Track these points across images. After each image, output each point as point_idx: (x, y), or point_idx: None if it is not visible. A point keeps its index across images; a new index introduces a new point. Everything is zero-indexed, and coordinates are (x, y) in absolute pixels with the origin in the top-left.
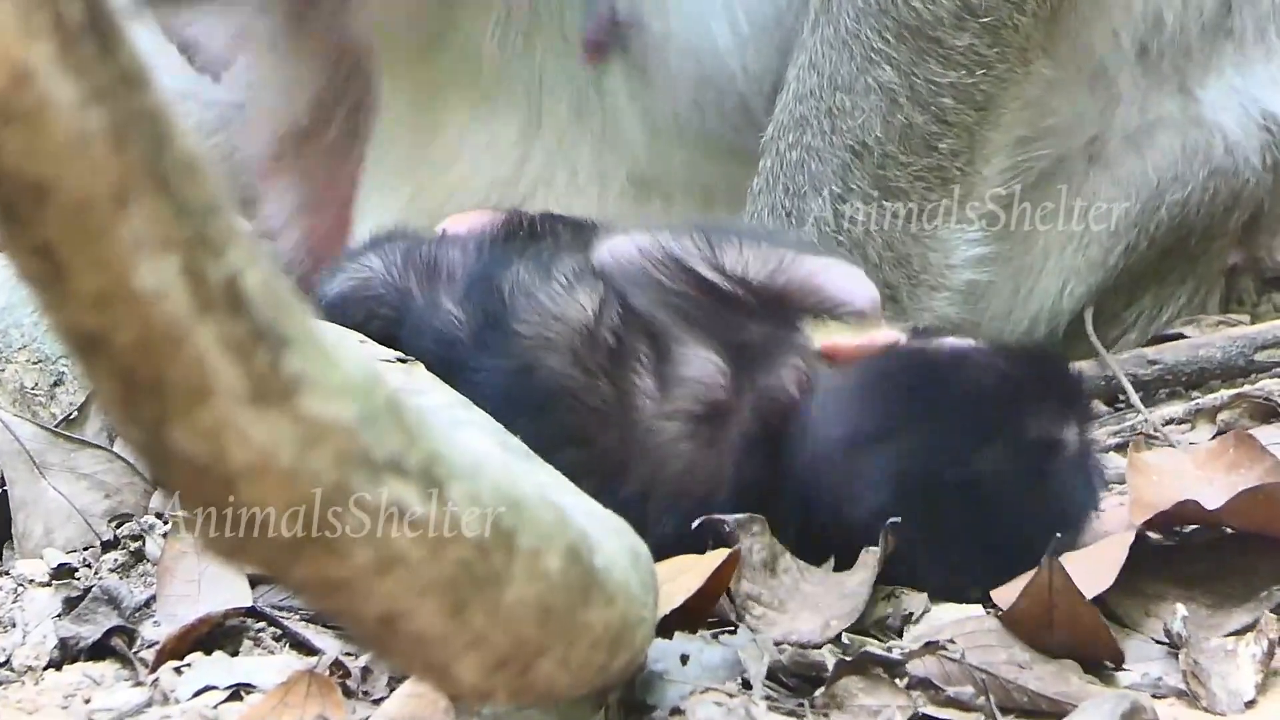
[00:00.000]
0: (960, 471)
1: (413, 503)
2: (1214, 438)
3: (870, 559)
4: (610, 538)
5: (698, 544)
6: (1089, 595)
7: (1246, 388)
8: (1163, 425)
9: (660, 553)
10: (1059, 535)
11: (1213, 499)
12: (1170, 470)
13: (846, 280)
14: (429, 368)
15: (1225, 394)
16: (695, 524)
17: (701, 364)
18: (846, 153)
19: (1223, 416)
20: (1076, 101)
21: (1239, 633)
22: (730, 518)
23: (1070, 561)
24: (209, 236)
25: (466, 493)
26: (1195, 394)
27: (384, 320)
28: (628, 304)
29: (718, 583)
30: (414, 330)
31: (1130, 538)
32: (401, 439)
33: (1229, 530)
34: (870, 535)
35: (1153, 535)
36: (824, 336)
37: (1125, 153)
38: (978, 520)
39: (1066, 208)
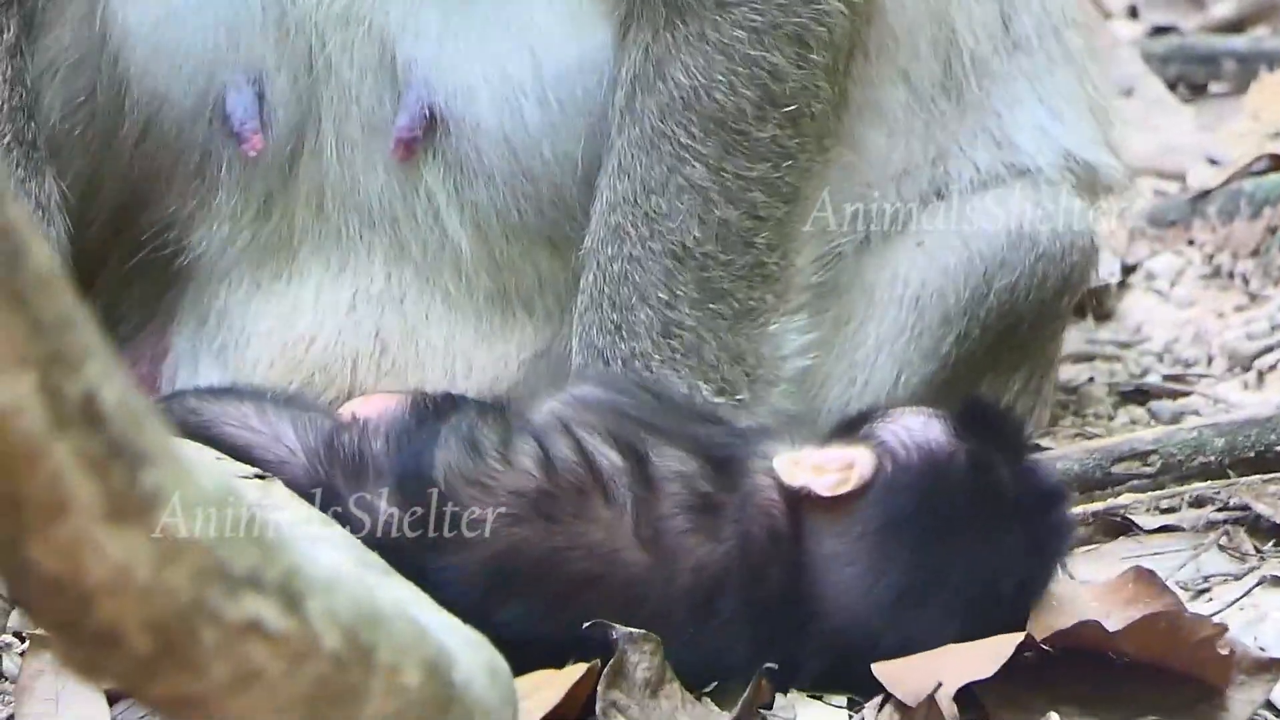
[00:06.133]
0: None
1: (271, 618)
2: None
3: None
4: (469, 653)
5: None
6: (962, 681)
7: (1102, 504)
8: None
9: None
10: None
11: (1113, 625)
12: (1070, 598)
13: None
14: None
15: (1081, 509)
16: (585, 625)
17: (680, 461)
18: (668, 258)
19: (1076, 532)
20: (880, 182)
21: None
22: (621, 629)
23: (957, 652)
24: (65, 352)
25: (324, 608)
26: None
27: None
28: (578, 438)
29: (576, 697)
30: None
31: (1020, 638)
32: (259, 554)
33: (1121, 657)
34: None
35: (1045, 647)
36: (792, 472)
37: (947, 237)
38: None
39: (895, 296)
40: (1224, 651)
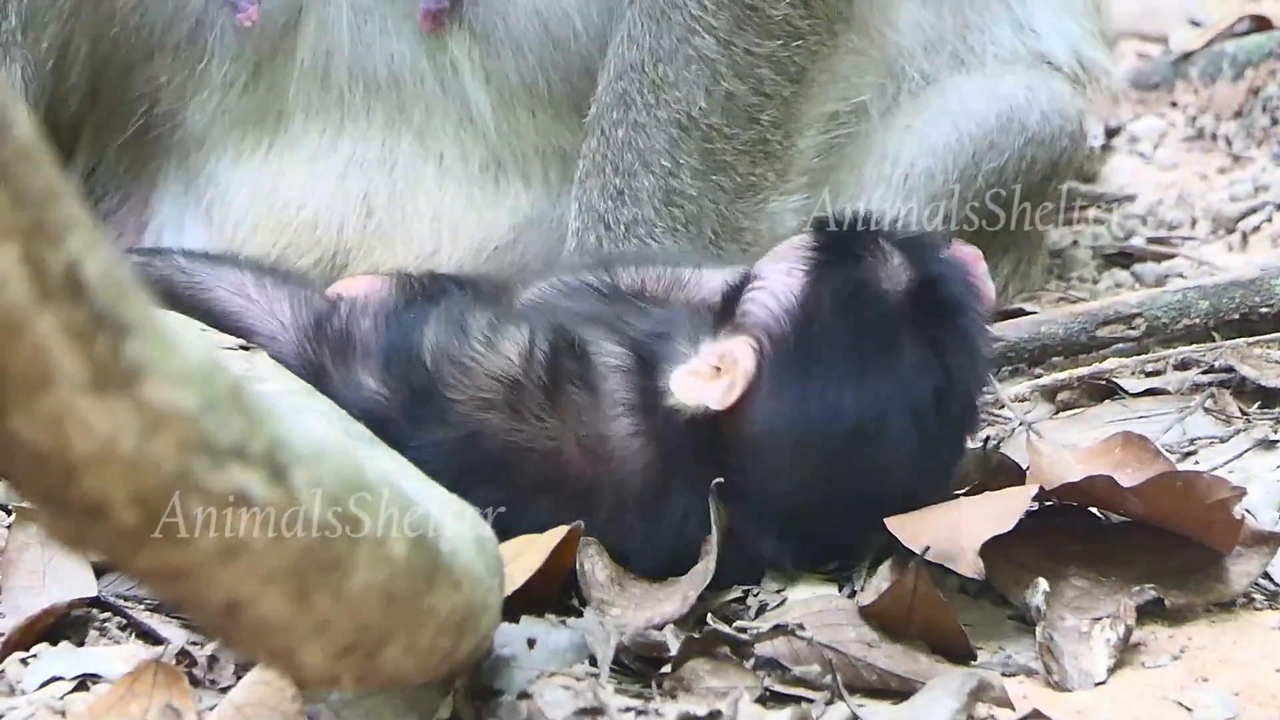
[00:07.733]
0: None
1: (256, 489)
2: (1054, 416)
3: (710, 545)
4: (455, 522)
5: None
6: (984, 537)
7: (1087, 368)
8: (1002, 404)
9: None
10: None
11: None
12: (1056, 461)
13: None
14: None
15: (1067, 374)
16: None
17: (618, 358)
18: (673, 127)
19: (1061, 396)
20: (885, 73)
21: (1099, 619)
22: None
23: (969, 506)
24: (48, 224)
25: (310, 479)
26: (1039, 370)
27: None
28: (549, 335)
29: (559, 561)
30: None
31: (1033, 490)
32: (244, 425)
33: (1125, 517)
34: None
35: (1050, 501)
36: (686, 392)
37: (939, 121)
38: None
39: (883, 176)
40: (1237, 515)
